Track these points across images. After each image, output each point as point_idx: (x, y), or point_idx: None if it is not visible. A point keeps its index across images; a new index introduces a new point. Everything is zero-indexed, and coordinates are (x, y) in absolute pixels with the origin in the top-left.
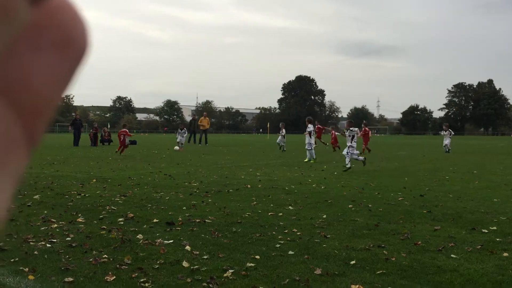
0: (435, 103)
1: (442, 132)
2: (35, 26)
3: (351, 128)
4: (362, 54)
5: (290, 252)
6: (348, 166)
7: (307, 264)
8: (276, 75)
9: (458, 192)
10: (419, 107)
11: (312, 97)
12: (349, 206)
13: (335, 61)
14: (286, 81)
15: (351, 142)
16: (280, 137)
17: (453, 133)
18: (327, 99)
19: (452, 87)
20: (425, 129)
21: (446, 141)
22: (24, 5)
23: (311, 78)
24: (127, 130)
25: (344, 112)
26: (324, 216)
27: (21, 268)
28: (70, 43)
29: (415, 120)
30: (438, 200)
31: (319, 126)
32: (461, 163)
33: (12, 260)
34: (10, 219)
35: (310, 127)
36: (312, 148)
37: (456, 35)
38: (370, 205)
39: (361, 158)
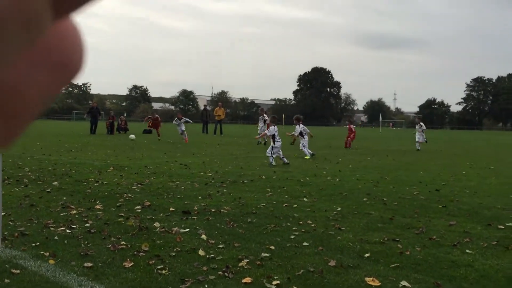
0: (453, 97)
1: (417, 127)
2: (41, 42)
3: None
4: (380, 47)
5: (305, 244)
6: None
7: (321, 255)
8: (292, 66)
9: (475, 188)
10: (437, 101)
11: (328, 89)
12: (364, 199)
13: (353, 53)
14: (302, 73)
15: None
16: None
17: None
18: (343, 91)
19: (470, 81)
20: (442, 124)
21: (418, 136)
22: (48, 18)
23: (327, 69)
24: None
25: (360, 105)
26: (339, 209)
27: (41, 252)
28: (67, 67)
29: (432, 114)
30: (454, 195)
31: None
32: (479, 159)
33: (33, 244)
34: (31, 204)
35: (298, 129)
36: (304, 147)
37: (477, 29)
38: (385, 199)
39: (285, 160)
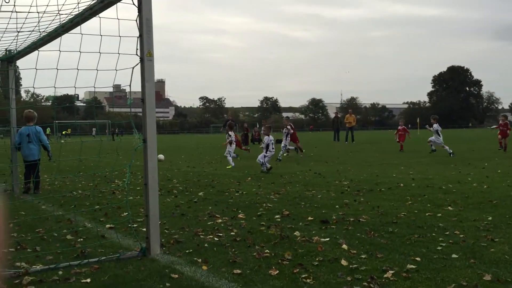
0: None
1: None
2: None
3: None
4: None
5: (454, 256)
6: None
7: (473, 268)
8: (425, 67)
9: None
10: None
11: (467, 88)
12: None
13: (493, 47)
14: (436, 73)
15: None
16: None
17: (439, 129)
18: (484, 89)
19: None
20: None
21: (432, 137)
22: None
23: (465, 68)
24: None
25: (505, 103)
26: (490, 218)
27: (195, 258)
28: None
29: None
30: None
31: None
32: None
33: (187, 251)
34: (181, 213)
35: (232, 136)
36: (230, 155)
37: None
38: None
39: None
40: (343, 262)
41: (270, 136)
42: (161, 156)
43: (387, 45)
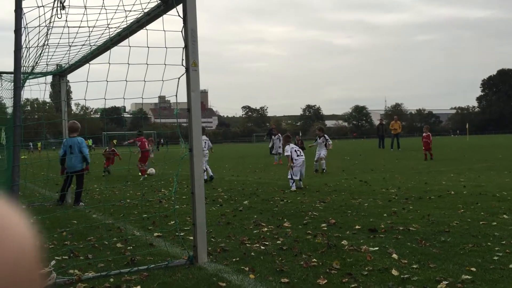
0: None
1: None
2: None
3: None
4: None
5: (511, 266)
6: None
7: None
8: (474, 71)
9: None
10: None
11: None
12: None
13: None
14: (486, 77)
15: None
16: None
17: (329, 142)
18: None
19: None
20: None
21: (320, 152)
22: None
23: None
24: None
25: None
26: None
27: (242, 267)
28: None
29: None
30: None
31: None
32: None
33: (234, 259)
34: (227, 222)
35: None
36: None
37: None
38: None
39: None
40: (394, 272)
41: (291, 144)
42: (152, 170)
43: (433, 49)
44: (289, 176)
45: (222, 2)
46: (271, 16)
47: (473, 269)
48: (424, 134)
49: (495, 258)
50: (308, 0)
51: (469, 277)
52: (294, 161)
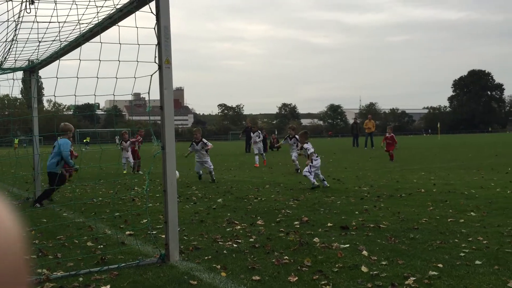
0: None
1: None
2: None
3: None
4: None
5: (477, 262)
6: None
7: (498, 275)
8: (445, 71)
9: None
10: None
11: (489, 92)
12: None
13: None
14: (457, 77)
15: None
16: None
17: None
18: (506, 93)
19: None
20: None
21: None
22: None
23: (486, 72)
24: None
25: None
26: None
27: (214, 265)
28: None
29: None
30: None
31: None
32: None
33: (206, 258)
34: (200, 220)
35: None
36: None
37: None
38: None
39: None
40: (364, 269)
41: (309, 143)
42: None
43: (407, 50)
44: (307, 174)
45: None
46: (249, 14)
47: (440, 265)
48: (387, 135)
49: (462, 254)
50: None
51: (436, 273)
52: (313, 160)
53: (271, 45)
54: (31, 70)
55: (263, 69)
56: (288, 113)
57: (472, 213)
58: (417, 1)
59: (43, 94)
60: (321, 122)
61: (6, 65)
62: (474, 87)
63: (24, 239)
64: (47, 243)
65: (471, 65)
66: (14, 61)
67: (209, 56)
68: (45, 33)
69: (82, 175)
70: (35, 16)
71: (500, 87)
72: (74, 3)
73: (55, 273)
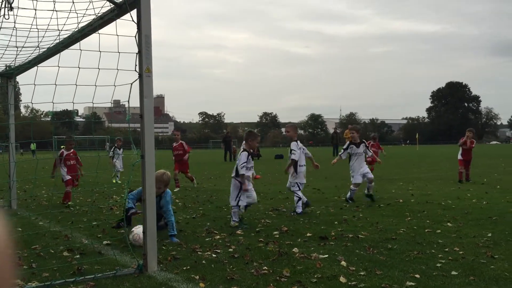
0: None
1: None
2: None
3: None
4: None
5: (453, 273)
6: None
7: (473, 286)
8: (424, 83)
9: None
10: None
11: (466, 104)
12: None
13: (492, 64)
14: (435, 89)
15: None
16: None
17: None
18: (482, 105)
19: None
20: None
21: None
22: None
23: (463, 83)
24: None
25: (504, 119)
26: (489, 235)
27: (192, 275)
28: None
29: None
30: None
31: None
32: None
33: (184, 268)
34: (179, 230)
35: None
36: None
37: None
38: None
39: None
40: (342, 279)
41: (298, 142)
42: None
43: (387, 61)
44: (300, 194)
45: (182, 8)
46: (232, 23)
47: (417, 275)
48: (372, 142)
49: (438, 265)
50: (268, 8)
51: (413, 283)
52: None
53: (253, 54)
54: (9, 76)
55: (244, 78)
56: (269, 121)
57: (448, 223)
58: (396, 13)
59: (21, 100)
60: (301, 131)
61: None
62: (452, 98)
63: (11, 244)
64: (22, 252)
65: (449, 77)
66: None
67: (190, 64)
68: (26, 41)
69: (59, 183)
70: (14, 23)
71: (476, 99)
72: (54, 10)
73: (29, 283)
